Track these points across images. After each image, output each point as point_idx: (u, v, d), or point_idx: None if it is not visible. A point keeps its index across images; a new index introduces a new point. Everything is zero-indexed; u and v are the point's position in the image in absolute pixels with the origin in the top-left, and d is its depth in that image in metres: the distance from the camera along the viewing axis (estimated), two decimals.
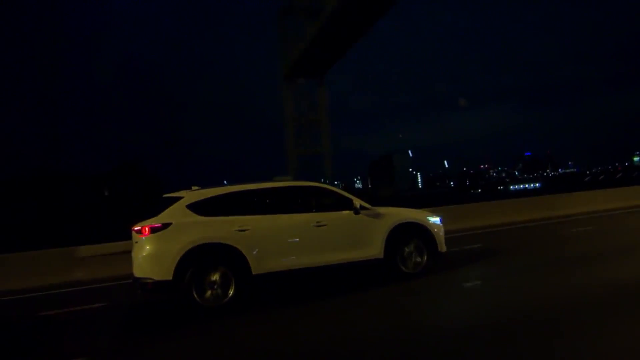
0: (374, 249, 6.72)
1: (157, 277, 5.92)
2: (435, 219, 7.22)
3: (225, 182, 6.93)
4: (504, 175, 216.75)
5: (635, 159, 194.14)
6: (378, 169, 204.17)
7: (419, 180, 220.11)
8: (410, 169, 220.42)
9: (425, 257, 6.96)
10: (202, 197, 6.34)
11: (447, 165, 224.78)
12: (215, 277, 5.98)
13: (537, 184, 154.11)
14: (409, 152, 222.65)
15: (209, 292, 5.94)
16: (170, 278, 5.85)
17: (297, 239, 6.46)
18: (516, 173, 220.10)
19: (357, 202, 6.84)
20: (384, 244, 6.73)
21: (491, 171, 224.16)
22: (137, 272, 6.16)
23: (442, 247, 7.12)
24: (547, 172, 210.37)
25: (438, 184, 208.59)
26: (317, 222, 6.53)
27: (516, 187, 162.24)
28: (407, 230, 6.93)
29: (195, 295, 5.89)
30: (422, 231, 7.01)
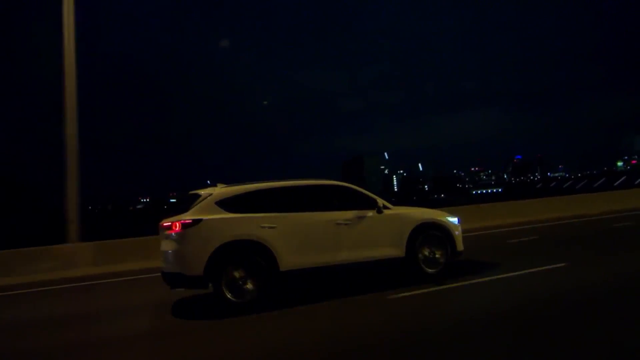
0: (396, 248, 7.38)
1: (187, 272, 6.44)
2: (453, 219, 7.94)
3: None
4: (494, 178, 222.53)
5: (619, 163, 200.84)
6: (349, 170, 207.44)
7: (395, 182, 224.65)
8: (401, 171, 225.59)
9: (444, 256, 7.66)
10: (231, 194, 6.89)
11: (421, 168, 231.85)
12: (244, 272, 6.54)
13: (499, 189, 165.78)
14: (385, 154, 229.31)
15: (238, 287, 6.49)
16: (201, 273, 6.37)
17: (323, 237, 7.06)
18: (505, 176, 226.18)
19: (380, 201, 7.50)
20: (406, 243, 7.41)
21: (482, 174, 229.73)
22: (167, 267, 6.67)
23: (460, 246, 7.84)
24: (534, 176, 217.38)
25: (420, 186, 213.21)
26: (342, 221, 7.15)
27: (480, 191, 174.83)
28: (428, 229, 7.62)
29: (225, 290, 6.43)
30: (442, 230, 7.72)
